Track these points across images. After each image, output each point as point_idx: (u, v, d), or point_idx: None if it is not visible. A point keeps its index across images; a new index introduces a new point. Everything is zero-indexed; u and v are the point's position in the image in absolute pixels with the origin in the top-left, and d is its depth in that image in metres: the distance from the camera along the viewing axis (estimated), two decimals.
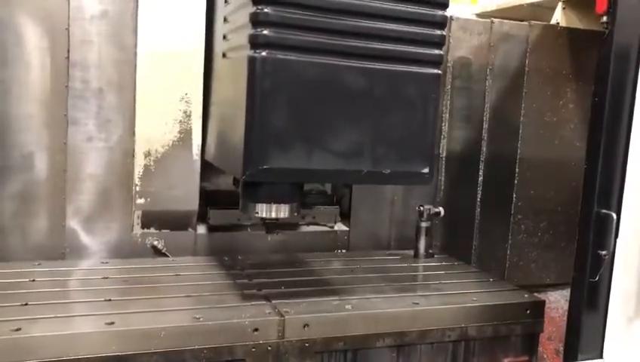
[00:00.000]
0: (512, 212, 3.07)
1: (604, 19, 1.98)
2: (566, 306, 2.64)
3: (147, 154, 2.44)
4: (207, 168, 2.53)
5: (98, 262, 2.35)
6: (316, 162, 1.86)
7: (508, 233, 3.08)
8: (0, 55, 2.24)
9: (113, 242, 2.46)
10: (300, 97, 1.83)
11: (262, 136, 1.80)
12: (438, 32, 1.95)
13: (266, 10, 1.76)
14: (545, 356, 2.86)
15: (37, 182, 2.35)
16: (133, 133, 2.43)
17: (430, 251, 2.70)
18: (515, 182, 3.05)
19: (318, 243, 2.77)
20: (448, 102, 2.95)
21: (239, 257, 2.50)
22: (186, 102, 2.46)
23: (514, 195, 3.06)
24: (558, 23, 3.14)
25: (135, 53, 2.39)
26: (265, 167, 1.80)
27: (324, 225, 2.82)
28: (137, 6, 2.37)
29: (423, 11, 1.91)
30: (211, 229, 2.62)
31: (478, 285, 2.34)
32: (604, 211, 1.97)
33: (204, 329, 1.77)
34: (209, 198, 2.64)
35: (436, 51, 1.95)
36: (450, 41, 2.89)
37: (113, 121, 2.42)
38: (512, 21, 3.04)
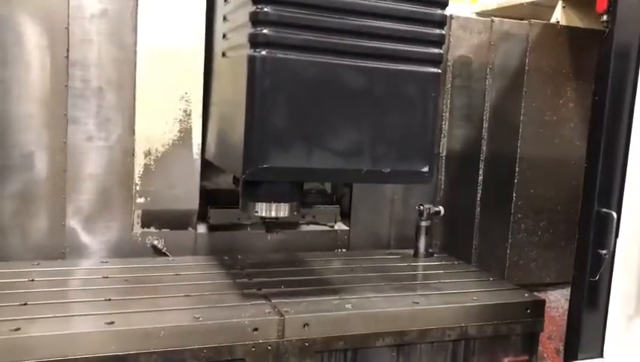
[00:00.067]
0: (512, 211, 3.07)
1: (605, 17, 1.98)
2: (566, 305, 2.64)
3: (147, 154, 2.44)
4: (208, 167, 2.53)
5: (98, 262, 2.35)
6: (316, 161, 1.86)
7: (508, 232, 3.08)
8: (0, 54, 2.24)
9: (113, 241, 2.46)
10: (300, 96, 1.83)
11: (262, 135, 1.80)
12: (438, 30, 1.95)
13: (265, 9, 1.76)
14: (545, 355, 2.86)
15: (37, 181, 2.35)
16: (133, 132, 2.43)
17: (430, 250, 2.70)
18: (515, 181, 3.05)
19: (318, 242, 2.77)
20: (448, 101, 2.95)
21: (239, 256, 2.50)
22: (186, 101, 2.45)
23: (514, 194, 3.06)
24: (558, 22, 3.14)
25: (135, 52, 2.39)
26: (265, 165, 1.80)
27: (325, 225, 2.82)
28: (137, 5, 2.37)
29: (423, 10, 1.91)
30: (211, 228, 2.62)
31: (478, 284, 2.34)
32: (604, 210, 1.96)
33: (204, 329, 1.77)
34: (209, 197, 2.64)
35: (436, 50, 1.95)
36: (450, 39, 2.89)
37: (113, 120, 2.42)
38: (512, 20, 3.04)
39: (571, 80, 3.10)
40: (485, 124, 3.01)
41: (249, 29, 1.79)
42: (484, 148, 3.02)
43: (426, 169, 1.97)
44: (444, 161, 2.97)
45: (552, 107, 3.08)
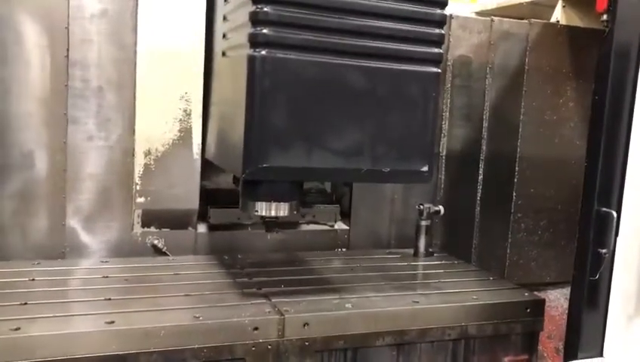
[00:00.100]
0: (512, 210, 3.07)
1: (605, 17, 1.98)
2: (566, 304, 2.64)
3: (147, 153, 2.44)
4: (208, 167, 2.53)
5: (98, 262, 2.35)
6: (316, 160, 1.86)
7: (508, 231, 3.08)
8: (0, 53, 2.24)
9: (113, 241, 2.46)
10: (300, 96, 1.84)
11: (261, 134, 1.80)
12: (437, 30, 1.95)
13: (265, 9, 1.76)
14: (545, 354, 2.87)
15: (37, 181, 2.35)
16: (133, 132, 2.43)
17: (430, 250, 2.70)
18: (515, 180, 3.05)
19: (319, 242, 2.77)
20: (448, 100, 2.95)
21: (239, 256, 2.50)
22: (186, 100, 2.45)
23: (514, 194, 3.06)
24: (558, 21, 3.13)
25: (135, 52, 2.39)
26: (264, 165, 1.80)
27: (325, 224, 2.82)
28: (137, 4, 2.37)
29: (422, 10, 1.91)
30: (212, 228, 2.62)
31: (478, 284, 2.34)
32: (604, 209, 1.96)
33: (204, 328, 1.77)
34: (209, 197, 2.64)
35: (435, 50, 1.95)
36: (450, 39, 2.89)
37: (113, 120, 2.42)
38: (511, 19, 3.04)
39: (571, 79, 3.10)
40: (485, 124, 3.01)
41: (249, 29, 1.79)
42: (484, 147, 3.02)
43: (425, 168, 1.97)
44: (444, 161, 2.97)
45: (552, 106, 3.08)
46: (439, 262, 2.63)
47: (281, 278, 2.20)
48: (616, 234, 1.95)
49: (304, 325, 1.87)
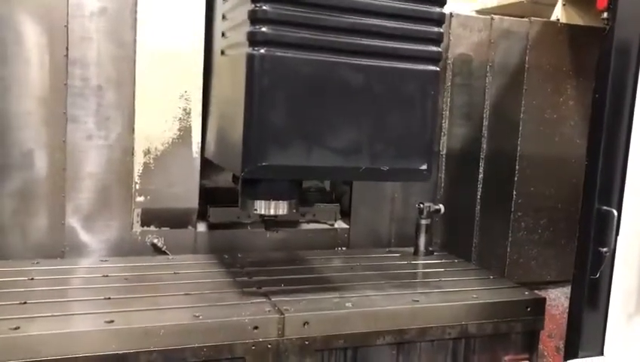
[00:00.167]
0: (512, 209, 3.07)
1: (605, 15, 1.97)
2: (566, 303, 2.63)
3: (147, 152, 2.44)
4: (207, 166, 2.52)
5: (97, 261, 2.35)
6: (315, 159, 1.86)
7: (508, 230, 3.07)
8: None
9: (113, 240, 2.45)
10: (299, 94, 1.83)
11: (260, 133, 1.80)
12: (436, 29, 1.94)
13: (264, 7, 1.76)
14: (545, 353, 2.87)
15: (36, 180, 2.34)
16: (133, 131, 2.42)
17: (430, 249, 2.70)
18: (515, 179, 3.05)
19: (319, 240, 2.77)
20: (448, 99, 2.94)
21: (239, 255, 2.50)
22: (185, 99, 2.45)
23: (514, 192, 3.05)
24: (558, 20, 3.13)
25: (134, 50, 2.38)
26: (263, 163, 1.80)
27: (325, 223, 2.82)
28: (136, 3, 2.36)
29: (421, 8, 1.91)
30: (211, 227, 2.62)
31: (478, 282, 2.34)
32: (604, 208, 1.96)
33: (204, 328, 1.76)
34: (209, 196, 2.63)
35: (434, 48, 1.95)
36: (450, 37, 2.88)
37: (112, 119, 2.41)
38: (512, 18, 3.03)
39: (571, 78, 3.09)
40: (485, 122, 3.00)
41: (248, 27, 1.79)
42: (484, 146, 3.01)
43: (424, 167, 1.97)
44: (444, 159, 2.96)
45: (553, 105, 3.08)
46: (439, 261, 2.62)
47: (281, 277, 2.20)
48: (617, 233, 1.95)
49: (304, 324, 1.86)
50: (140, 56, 2.38)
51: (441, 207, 2.68)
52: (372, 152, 1.91)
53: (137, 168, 2.43)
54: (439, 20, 1.95)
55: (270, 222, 2.67)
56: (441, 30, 1.95)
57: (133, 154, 2.43)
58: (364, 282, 2.21)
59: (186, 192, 2.49)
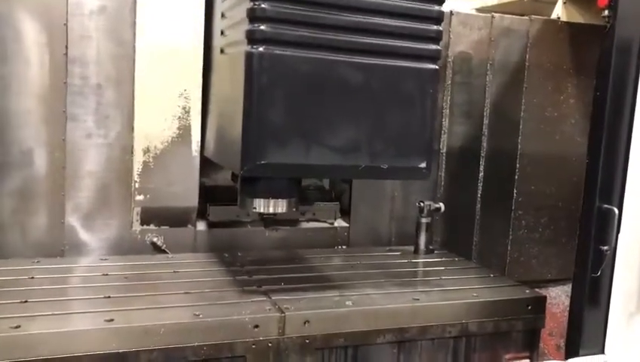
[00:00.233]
0: (513, 207, 3.06)
1: (606, 12, 1.97)
2: (567, 302, 2.63)
3: (146, 151, 2.43)
4: (207, 164, 2.52)
5: (97, 259, 2.35)
6: (314, 157, 1.86)
7: (508, 229, 3.07)
8: None
9: (112, 239, 2.45)
10: (297, 92, 1.83)
11: (259, 131, 1.80)
12: (435, 27, 1.94)
13: (263, 5, 1.76)
14: (546, 351, 2.86)
15: (36, 178, 2.34)
16: (132, 130, 2.42)
17: (430, 247, 2.69)
18: (516, 177, 3.04)
19: (318, 239, 2.76)
20: (449, 97, 2.93)
21: (239, 254, 2.50)
22: (185, 98, 2.45)
23: (514, 191, 3.05)
24: (558, 18, 3.12)
25: (134, 49, 2.38)
26: (262, 162, 1.80)
27: (324, 222, 2.82)
28: (135, 1, 2.36)
29: (420, 6, 1.91)
30: (211, 226, 2.61)
31: (478, 281, 2.34)
32: (605, 206, 1.96)
33: (204, 326, 1.76)
34: (208, 195, 2.63)
35: (433, 46, 1.95)
36: (451, 35, 2.88)
37: (112, 117, 2.41)
38: (512, 16, 3.02)
39: (572, 76, 3.08)
40: (486, 121, 3.00)
41: (246, 26, 1.79)
42: (484, 144, 3.01)
43: (423, 165, 1.97)
44: (444, 158, 2.96)
45: (553, 103, 3.07)
46: (440, 259, 2.62)
47: (281, 276, 2.19)
48: (618, 231, 1.95)
49: (304, 322, 1.86)
50: (140, 55, 2.38)
51: (442, 205, 2.68)
52: (371, 150, 1.91)
53: (137, 167, 2.42)
54: (438, 18, 1.95)
55: (269, 221, 2.67)
56: (440, 28, 1.95)
57: (132, 152, 2.42)
58: (364, 280, 2.21)
59: (185, 191, 2.49)
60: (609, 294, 1.99)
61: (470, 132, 3.00)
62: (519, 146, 3.03)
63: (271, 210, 2.03)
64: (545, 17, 3.09)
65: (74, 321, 1.74)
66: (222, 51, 2.16)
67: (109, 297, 1.90)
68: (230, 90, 2.01)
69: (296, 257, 2.51)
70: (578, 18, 3.10)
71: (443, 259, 2.64)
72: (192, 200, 2.51)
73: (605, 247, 1.95)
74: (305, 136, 1.84)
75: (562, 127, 3.10)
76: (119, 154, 2.42)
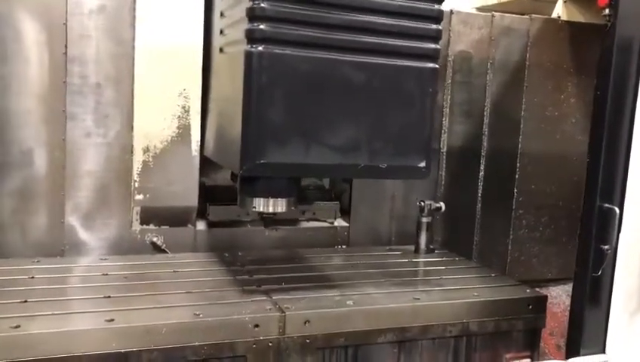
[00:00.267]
0: (514, 207, 3.06)
1: (607, 11, 1.96)
2: (567, 301, 2.63)
3: (146, 150, 2.43)
4: (207, 164, 2.51)
5: (97, 259, 2.34)
6: (313, 156, 1.86)
7: (509, 228, 3.07)
8: None
9: (112, 238, 2.45)
10: (297, 92, 1.83)
11: (259, 130, 1.79)
12: (434, 26, 1.94)
13: (262, 4, 1.76)
14: (547, 351, 2.86)
15: (36, 178, 2.34)
16: (132, 129, 2.41)
17: (431, 246, 2.69)
18: (517, 176, 3.04)
19: (318, 238, 2.76)
20: (449, 96, 2.93)
21: (239, 253, 2.49)
22: (184, 97, 2.44)
23: (515, 190, 3.05)
24: (559, 17, 3.11)
25: (133, 48, 2.37)
26: (262, 161, 1.80)
27: (324, 221, 2.81)
28: (135, 0, 2.35)
29: (419, 5, 1.91)
30: (211, 225, 2.61)
31: (479, 280, 2.33)
32: (606, 205, 1.95)
33: (205, 326, 1.76)
34: (208, 194, 2.63)
35: (432, 45, 1.94)
36: (451, 35, 2.87)
37: (111, 117, 2.40)
38: (512, 15, 3.02)
39: (572, 75, 3.08)
40: (486, 120, 3.00)
41: (246, 25, 1.78)
42: (484, 143, 3.00)
43: (423, 164, 1.97)
44: (444, 157, 2.96)
45: (554, 102, 3.07)
46: (440, 259, 2.62)
47: (281, 275, 2.19)
48: (619, 231, 1.94)
49: (305, 322, 1.86)
50: (139, 54, 2.37)
51: (442, 205, 2.67)
52: (370, 150, 1.91)
53: (136, 166, 2.42)
54: (437, 17, 1.94)
55: (269, 220, 2.67)
56: (440, 27, 1.95)
57: (132, 152, 2.42)
58: (365, 280, 2.21)
59: (185, 190, 2.48)
60: (610, 293, 1.99)
61: (470, 131, 3.00)
62: (520, 145, 3.03)
63: (270, 210, 2.03)
64: (545, 16, 3.09)
65: (74, 321, 1.73)
66: (221, 50, 2.15)
67: (110, 297, 1.90)
68: (230, 89, 2.01)
69: (296, 257, 2.51)
70: (578, 17, 3.09)
71: (444, 258, 2.63)
72: (191, 199, 2.50)
73: (606, 247, 1.94)
74: (304, 135, 1.84)
75: (563, 127, 3.09)
76: (119, 154, 2.42)
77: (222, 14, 2.15)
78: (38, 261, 2.23)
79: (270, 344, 1.82)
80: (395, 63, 1.90)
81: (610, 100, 1.96)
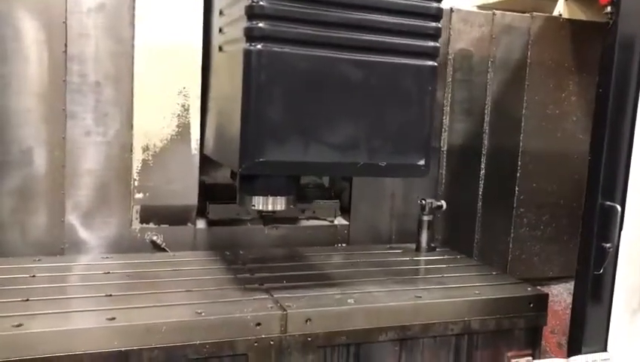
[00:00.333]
0: (515, 205, 3.06)
1: (609, 9, 1.96)
2: (568, 299, 2.63)
3: (145, 149, 2.42)
4: (206, 162, 2.51)
5: (98, 258, 2.34)
6: (312, 154, 1.85)
7: (510, 226, 3.06)
8: None
9: (112, 237, 2.44)
10: (296, 90, 1.82)
11: (258, 128, 1.79)
12: (433, 24, 1.93)
13: (261, 2, 1.75)
14: (548, 349, 2.86)
15: (36, 177, 2.33)
16: (131, 127, 2.41)
17: (432, 245, 2.69)
18: (518, 175, 3.03)
19: (318, 237, 2.76)
20: (449, 94, 2.92)
21: (240, 252, 2.49)
22: (184, 95, 2.43)
23: (516, 188, 3.04)
24: (560, 15, 3.11)
25: (132, 46, 2.37)
26: (261, 159, 1.79)
27: (324, 219, 2.81)
28: None
29: (418, 3, 1.90)
30: (211, 224, 2.61)
31: (480, 278, 2.33)
32: (608, 203, 1.95)
33: (206, 324, 1.76)
34: (208, 193, 2.62)
35: (431, 43, 1.94)
36: (451, 33, 2.87)
37: (111, 115, 2.39)
38: (513, 13, 3.01)
39: (574, 73, 3.07)
40: (487, 118, 2.99)
41: (245, 23, 1.78)
42: (485, 142, 3.00)
43: (422, 162, 1.96)
44: (445, 155, 2.95)
45: (555, 100, 3.06)
46: (441, 257, 2.61)
47: (283, 274, 2.19)
48: (621, 228, 1.94)
49: (306, 320, 1.86)
50: (138, 53, 2.37)
51: (443, 203, 2.67)
52: (370, 148, 1.91)
53: (136, 165, 2.41)
54: (437, 15, 1.94)
55: (268, 218, 2.66)
56: (439, 25, 1.95)
57: (131, 150, 2.41)
58: (366, 278, 2.20)
59: (185, 189, 2.48)
60: (611, 291, 1.99)
61: (471, 129, 2.99)
62: (521, 144, 3.02)
63: (270, 208, 2.03)
64: (546, 14, 3.08)
65: (75, 320, 1.73)
66: (220, 49, 2.15)
67: (111, 295, 1.89)
68: (229, 87, 2.00)
69: (297, 255, 2.51)
70: (580, 15, 3.08)
71: (445, 256, 2.63)
72: (191, 198, 2.50)
73: (608, 245, 1.94)
74: (303, 133, 1.84)
75: (564, 125, 3.09)
76: (118, 153, 2.41)
77: (221, 13, 2.14)
78: (38, 260, 2.23)
79: (272, 342, 1.82)
80: (394, 61, 1.89)
81: (612, 98, 1.96)
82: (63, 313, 1.75)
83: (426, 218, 2.65)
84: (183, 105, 2.44)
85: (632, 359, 2.02)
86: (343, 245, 2.80)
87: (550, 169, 3.08)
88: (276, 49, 1.77)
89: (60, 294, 1.90)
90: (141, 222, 2.46)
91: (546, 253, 3.14)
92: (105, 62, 2.36)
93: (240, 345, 1.78)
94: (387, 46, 1.88)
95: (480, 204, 3.02)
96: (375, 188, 2.85)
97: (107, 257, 2.34)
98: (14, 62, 2.25)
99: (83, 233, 2.41)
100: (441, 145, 2.93)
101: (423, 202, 2.65)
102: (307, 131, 1.84)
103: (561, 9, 3.12)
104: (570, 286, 2.52)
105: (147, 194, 2.44)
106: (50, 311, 1.73)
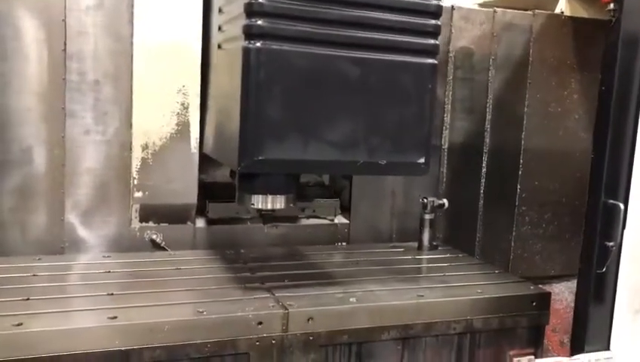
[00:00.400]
0: (516, 203, 3.05)
1: (612, 6, 1.95)
2: (570, 298, 2.63)
3: (145, 147, 2.41)
4: (206, 161, 2.50)
5: (99, 256, 2.33)
6: (312, 153, 1.84)
7: (512, 224, 3.05)
8: None
9: (112, 236, 2.43)
10: (295, 88, 1.81)
11: (257, 127, 1.78)
12: (433, 21, 1.92)
13: (260, 0, 1.73)
14: (550, 348, 2.85)
15: (36, 176, 2.32)
16: (131, 126, 2.40)
17: (434, 243, 2.68)
18: (519, 173, 3.02)
19: (318, 236, 2.75)
20: (450, 92, 2.91)
21: (241, 251, 2.48)
22: (183, 94, 2.42)
23: (518, 187, 3.03)
24: (562, 12, 3.09)
25: (131, 44, 2.35)
26: (260, 158, 1.78)
27: (324, 218, 2.80)
28: None
29: (418, 1, 1.89)
30: (210, 222, 2.59)
31: (483, 277, 2.32)
32: (611, 201, 1.94)
33: (208, 323, 1.75)
34: (207, 191, 2.61)
35: (431, 41, 1.93)
36: (452, 30, 2.85)
37: (110, 114, 2.38)
38: (515, 10, 3.00)
39: (576, 71, 3.06)
40: (488, 116, 2.98)
41: (244, 21, 1.77)
42: (487, 140, 2.99)
43: (422, 160, 1.95)
44: (446, 154, 2.94)
45: (557, 98, 3.05)
46: (444, 256, 2.61)
47: (284, 273, 2.18)
48: (623, 227, 1.93)
49: (308, 319, 1.85)
50: (137, 51, 2.35)
51: (445, 201, 2.66)
52: (369, 146, 1.90)
53: (135, 163, 2.40)
54: (436, 12, 1.93)
55: (268, 217, 2.65)
56: (439, 22, 1.94)
57: (131, 149, 2.40)
58: (368, 277, 2.19)
59: (184, 188, 2.47)
60: (614, 290, 1.98)
61: (472, 128, 2.98)
62: (523, 142, 3.01)
63: (269, 207, 2.02)
64: (548, 12, 3.07)
65: (77, 319, 1.72)
66: (220, 47, 2.13)
67: (112, 294, 1.88)
68: (228, 85, 1.99)
69: (298, 254, 2.50)
70: (582, 13, 3.07)
71: (447, 255, 2.62)
72: (191, 197, 2.49)
73: (611, 243, 1.93)
74: (303, 131, 1.83)
75: (566, 123, 3.08)
76: (118, 151, 2.40)
77: (220, 10, 2.13)
78: (39, 259, 2.22)
79: (273, 341, 1.81)
80: (394, 59, 1.88)
81: (615, 96, 1.95)
82: (64, 312, 1.74)
83: (427, 216, 2.64)
84: (183, 104, 2.43)
85: (634, 358, 2.01)
86: (344, 244, 2.79)
87: (552, 167, 3.07)
88: (275, 47, 1.76)
89: (60, 293, 1.89)
90: (141, 220, 2.45)
91: (548, 252, 3.13)
92: (104, 61, 2.35)
93: (242, 344, 1.77)
94: (387, 43, 1.87)
95: (481, 202, 3.01)
96: (375, 187, 2.84)
97: (107, 256, 2.33)
98: (14, 60, 2.24)
99: (83, 232, 2.40)
100: (442, 143, 2.92)
101: (425, 200, 2.64)
102: (307, 129, 1.83)
103: (563, 6, 3.11)
104: (571, 284, 2.52)
105: (147, 192, 2.43)
106: (50, 310, 1.72)
